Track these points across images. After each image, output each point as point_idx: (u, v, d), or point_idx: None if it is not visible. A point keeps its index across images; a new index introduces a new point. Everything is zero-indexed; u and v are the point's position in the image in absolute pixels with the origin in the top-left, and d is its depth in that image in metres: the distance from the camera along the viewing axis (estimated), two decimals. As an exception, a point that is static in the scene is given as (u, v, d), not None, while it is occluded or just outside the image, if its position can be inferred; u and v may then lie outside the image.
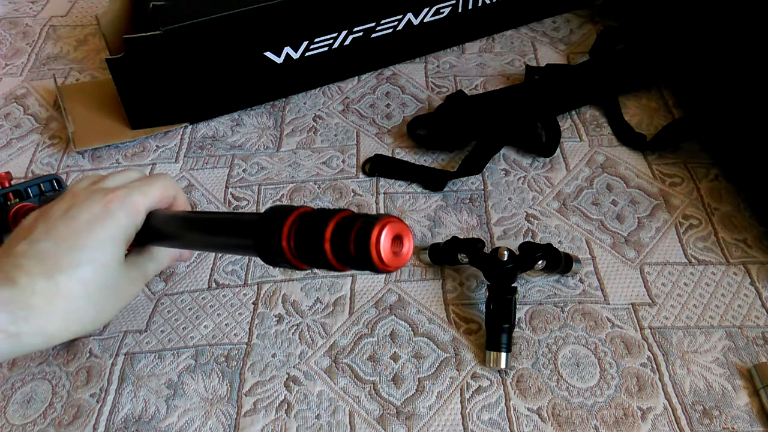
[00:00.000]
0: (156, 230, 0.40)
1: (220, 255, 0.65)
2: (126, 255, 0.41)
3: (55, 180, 0.62)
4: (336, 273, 0.63)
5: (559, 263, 0.59)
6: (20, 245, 0.37)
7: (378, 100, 0.81)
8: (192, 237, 0.39)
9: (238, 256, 0.65)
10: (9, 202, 0.58)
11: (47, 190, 0.61)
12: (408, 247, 0.28)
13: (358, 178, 0.72)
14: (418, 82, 0.84)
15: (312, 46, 0.77)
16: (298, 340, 0.58)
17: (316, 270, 0.33)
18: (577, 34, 0.91)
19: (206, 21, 0.68)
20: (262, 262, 0.63)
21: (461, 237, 0.61)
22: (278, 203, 0.33)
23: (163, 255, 0.44)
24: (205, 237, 0.38)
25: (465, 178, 0.71)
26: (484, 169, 0.72)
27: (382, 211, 0.68)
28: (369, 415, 0.53)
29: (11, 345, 0.35)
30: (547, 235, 0.66)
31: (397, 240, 0.27)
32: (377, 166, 0.72)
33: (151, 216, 0.40)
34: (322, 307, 0.61)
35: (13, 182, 0.60)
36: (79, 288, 0.36)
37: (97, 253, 0.37)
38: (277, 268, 0.64)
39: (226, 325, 0.60)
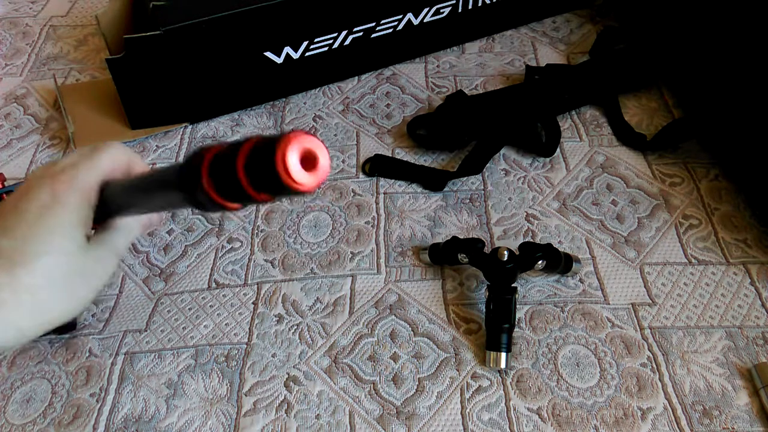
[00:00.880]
0: (111, 202, 0.38)
1: (219, 255, 0.65)
2: (92, 234, 0.39)
3: None
4: (339, 275, 0.63)
5: (559, 263, 0.59)
6: None
7: (378, 100, 0.81)
8: (138, 201, 0.38)
9: (239, 255, 0.65)
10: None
11: None
12: (323, 162, 0.26)
13: (358, 178, 0.72)
14: (418, 82, 0.84)
15: (312, 46, 0.77)
16: (298, 340, 0.58)
17: (247, 205, 0.32)
18: (577, 34, 0.91)
19: (206, 21, 0.68)
20: (262, 262, 0.63)
21: (461, 237, 0.61)
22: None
23: (131, 225, 0.42)
24: (146, 198, 0.37)
25: (465, 178, 0.71)
26: (484, 169, 0.72)
27: (382, 212, 0.68)
28: (369, 415, 0.53)
29: None
30: (547, 235, 0.66)
31: (309, 157, 0.25)
32: (377, 166, 0.72)
33: (105, 188, 0.39)
34: (322, 307, 0.61)
35: (6, 183, 0.60)
36: (41, 280, 0.35)
37: (53, 241, 0.36)
38: (277, 268, 0.64)
39: (226, 324, 0.60)
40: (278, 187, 0.26)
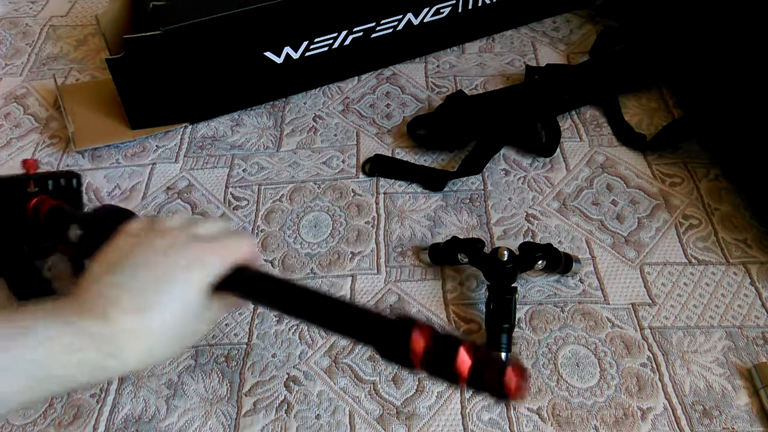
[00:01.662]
0: (241, 284, 0.42)
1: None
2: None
3: (75, 179, 0.63)
4: (339, 275, 0.63)
5: (559, 263, 0.59)
6: (114, 276, 0.38)
7: (378, 100, 0.81)
8: (288, 305, 0.42)
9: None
10: (29, 189, 0.58)
11: (65, 186, 0.61)
12: (524, 380, 0.32)
13: (358, 178, 0.72)
14: (418, 82, 0.84)
15: (312, 46, 0.77)
16: (298, 340, 0.58)
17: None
18: (577, 34, 0.91)
19: (206, 21, 0.68)
20: (262, 262, 0.63)
21: (461, 237, 0.61)
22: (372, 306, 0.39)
23: (230, 301, 0.45)
24: (307, 311, 0.41)
25: (465, 178, 0.71)
26: (484, 169, 0.72)
27: (382, 212, 0.69)
28: (369, 415, 0.53)
29: (94, 378, 0.36)
30: (547, 235, 0.66)
31: (521, 373, 0.32)
32: (377, 166, 0.72)
33: (237, 269, 0.43)
34: (322, 307, 0.61)
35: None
36: (163, 327, 0.38)
37: (186, 296, 0.39)
38: (277, 268, 0.64)
39: (226, 325, 0.60)
40: (497, 394, 0.32)
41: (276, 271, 0.63)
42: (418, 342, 0.34)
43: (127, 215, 0.52)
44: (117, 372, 0.37)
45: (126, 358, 0.37)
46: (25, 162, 0.59)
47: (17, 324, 0.35)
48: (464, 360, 0.32)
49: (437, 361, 0.33)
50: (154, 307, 0.37)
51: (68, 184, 0.62)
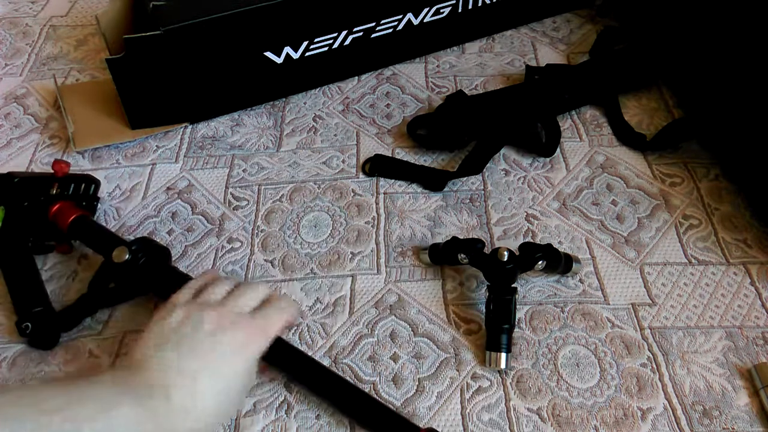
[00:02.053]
0: (275, 357, 0.49)
1: (219, 255, 0.65)
2: None
3: (94, 184, 0.65)
4: (339, 276, 0.63)
5: (559, 263, 0.59)
6: (171, 355, 0.42)
7: (378, 100, 0.81)
8: (326, 391, 0.51)
9: (239, 256, 0.65)
10: (52, 191, 0.60)
11: (84, 192, 0.63)
12: None
13: (358, 178, 0.72)
14: (418, 82, 0.84)
15: (312, 46, 0.77)
16: (298, 341, 0.58)
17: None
18: (577, 34, 0.91)
19: (206, 21, 0.68)
20: (262, 262, 0.63)
21: (461, 237, 0.61)
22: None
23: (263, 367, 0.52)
24: (336, 398, 0.51)
25: (465, 178, 0.71)
26: (484, 169, 0.72)
27: (382, 212, 0.69)
28: (369, 415, 0.53)
29: None
30: (547, 235, 0.66)
31: None
32: (377, 166, 0.72)
33: (275, 341, 0.48)
34: (322, 307, 0.61)
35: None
36: (213, 406, 0.42)
37: (234, 377, 0.44)
38: (277, 268, 0.64)
39: (226, 325, 0.59)
40: None
41: (276, 271, 0.63)
42: None
43: (166, 252, 0.59)
44: None
45: (176, 425, 0.40)
46: (55, 163, 0.61)
47: (87, 393, 0.39)
48: None
49: None
50: (204, 392, 0.42)
51: (87, 189, 0.64)
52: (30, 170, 0.73)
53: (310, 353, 0.57)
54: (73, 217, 0.60)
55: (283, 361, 0.50)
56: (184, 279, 0.56)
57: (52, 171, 0.61)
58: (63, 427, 0.35)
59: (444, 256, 0.61)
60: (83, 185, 0.63)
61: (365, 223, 0.68)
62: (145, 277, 0.56)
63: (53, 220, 0.61)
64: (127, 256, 0.55)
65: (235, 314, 0.46)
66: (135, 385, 0.40)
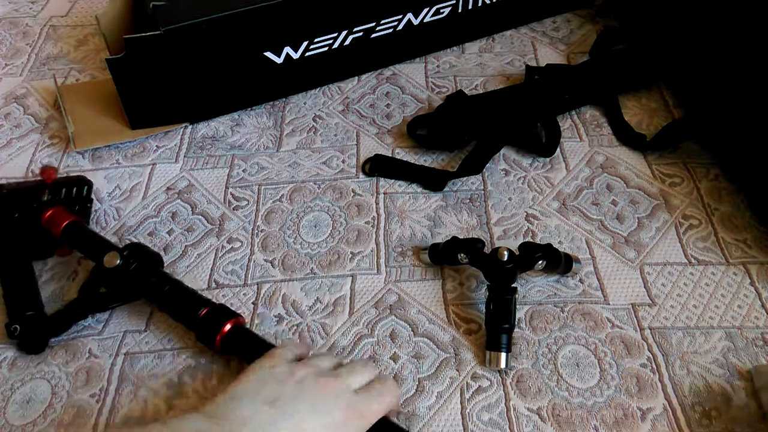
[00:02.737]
0: None
1: (219, 255, 0.65)
2: None
3: (87, 186, 0.64)
4: (339, 276, 0.63)
5: (559, 263, 0.59)
6: (263, 414, 0.40)
7: (378, 100, 0.81)
8: None
9: (239, 256, 0.65)
10: (43, 198, 0.60)
11: (77, 194, 0.63)
12: None
13: (358, 178, 0.72)
14: (418, 82, 0.84)
15: (312, 46, 0.77)
16: (298, 341, 0.58)
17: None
18: (577, 34, 0.91)
19: (206, 21, 0.68)
20: (262, 262, 0.63)
21: (461, 237, 0.61)
22: None
23: None
24: None
25: (465, 178, 0.71)
26: (484, 169, 0.72)
27: (382, 212, 0.69)
28: (369, 415, 0.53)
29: None
30: (547, 235, 0.66)
31: None
32: (377, 166, 0.72)
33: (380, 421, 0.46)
34: (322, 307, 0.61)
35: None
36: None
37: None
38: (277, 268, 0.64)
39: (226, 325, 0.59)
40: None
41: (276, 271, 0.63)
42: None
43: (158, 257, 0.59)
44: None
45: None
46: (43, 170, 0.60)
47: (182, 426, 0.38)
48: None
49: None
50: None
51: (80, 192, 0.63)
52: (30, 171, 0.73)
53: (309, 353, 0.57)
54: (65, 224, 0.60)
55: None
56: (177, 284, 0.57)
57: (40, 177, 0.60)
58: None
59: (444, 256, 0.61)
60: (75, 189, 0.63)
61: (365, 223, 0.68)
62: (136, 283, 0.56)
63: (46, 226, 0.60)
64: (118, 262, 0.55)
65: (340, 391, 0.44)
66: (228, 419, 0.39)
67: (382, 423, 0.46)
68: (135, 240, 0.66)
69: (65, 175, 0.73)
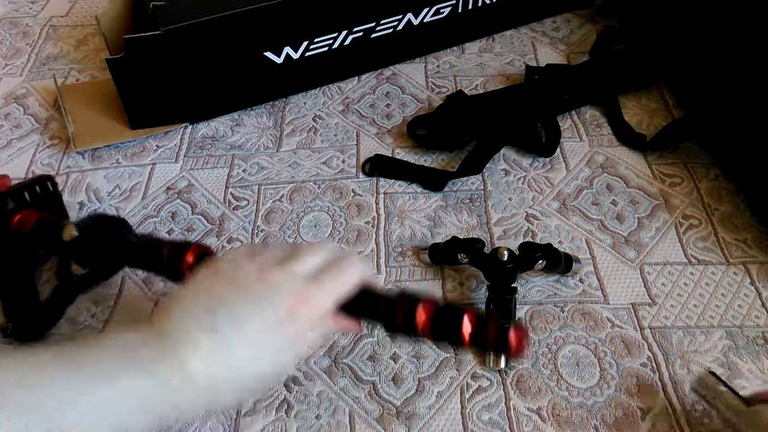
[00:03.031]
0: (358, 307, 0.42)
1: (220, 254, 0.65)
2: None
3: (49, 182, 0.62)
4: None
5: (559, 263, 0.59)
6: (193, 305, 0.36)
7: (378, 100, 0.81)
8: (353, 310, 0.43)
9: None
10: (8, 206, 0.58)
11: (43, 192, 0.61)
12: (526, 339, 0.38)
13: (358, 178, 0.72)
14: (418, 82, 0.84)
15: (312, 46, 0.77)
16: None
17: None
18: (577, 34, 0.91)
19: (206, 21, 0.68)
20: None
21: (461, 237, 0.61)
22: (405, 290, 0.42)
23: (326, 329, 0.42)
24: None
25: (465, 178, 0.71)
26: (484, 169, 0.72)
27: (382, 212, 0.68)
28: (369, 415, 0.53)
29: (154, 423, 0.34)
30: (547, 235, 0.66)
31: (521, 334, 0.38)
32: (377, 166, 0.72)
33: (361, 292, 0.42)
34: (322, 307, 0.61)
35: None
36: (239, 377, 0.36)
37: (270, 353, 0.37)
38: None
39: (226, 325, 0.59)
40: (504, 351, 0.44)
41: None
42: (421, 315, 0.39)
43: (120, 223, 0.53)
44: (178, 419, 0.36)
45: (188, 412, 0.35)
46: None
47: (96, 369, 0.33)
48: (467, 324, 0.38)
49: (441, 329, 0.39)
50: (235, 357, 0.35)
51: (44, 189, 0.61)
52: (31, 171, 0.73)
53: (309, 353, 0.57)
54: (32, 223, 0.58)
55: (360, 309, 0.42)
56: (142, 237, 0.52)
57: None
58: (45, 406, 0.31)
59: (444, 256, 0.61)
60: (37, 188, 0.61)
61: (365, 223, 0.68)
62: (101, 253, 0.52)
63: (19, 233, 0.59)
64: (74, 233, 0.52)
65: (283, 282, 0.38)
66: (145, 351, 0.34)
67: (361, 295, 0.41)
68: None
69: (65, 175, 0.73)
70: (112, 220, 0.54)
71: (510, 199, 0.69)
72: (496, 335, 0.38)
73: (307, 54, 0.77)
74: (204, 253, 0.49)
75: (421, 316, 0.39)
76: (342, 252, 0.42)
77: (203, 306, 0.36)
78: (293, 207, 0.69)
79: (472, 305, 0.60)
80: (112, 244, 0.52)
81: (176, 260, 0.48)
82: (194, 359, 0.34)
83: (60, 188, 0.66)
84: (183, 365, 0.33)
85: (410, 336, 0.40)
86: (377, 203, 0.69)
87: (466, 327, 0.38)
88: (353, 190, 0.71)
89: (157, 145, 0.76)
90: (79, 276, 0.56)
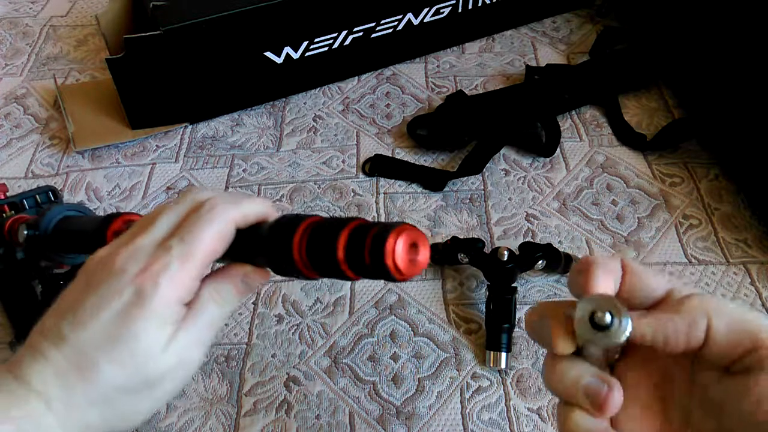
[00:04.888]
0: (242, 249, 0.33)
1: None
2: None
3: (50, 191, 0.61)
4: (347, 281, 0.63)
5: (559, 263, 0.59)
6: (49, 326, 0.30)
7: (378, 100, 0.81)
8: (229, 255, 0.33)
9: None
10: (4, 215, 0.57)
11: (43, 202, 0.60)
12: (424, 254, 0.26)
13: (358, 178, 0.72)
14: (418, 82, 0.84)
15: (312, 46, 0.77)
16: (298, 340, 0.58)
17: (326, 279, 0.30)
18: (577, 34, 0.91)
19: (206, 21, 0.68)
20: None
21: (461, 237, 0.61)
22: (288, 213, 0.29)
23: (225, 297, 0.32)
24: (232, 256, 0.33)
25: (465, 178, 0.71)
26: (484, 169, 0.72)
27: (382, 212, 0.68)
28: (369, 415, 0.53)
29: None
30: (547, 235, 0.66)
31: (413, 248, 0.26)
32: (377, 166, 0.72)
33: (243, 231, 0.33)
34: (322, 307, 0.61)
35: (8, 194, 0.59)
36: (105, 397, 0.29)
37: (130, 351, 0.29)
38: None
39: (226, 325, 0.60)
40: (381, 273, 0.26)
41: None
42: (299, 235, 0.28)
43: (79, 215, 0.48)
44: None
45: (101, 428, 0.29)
46: None
47: None
48: (343, 238, 0.27)
49: (315, 246, 0.28)
50: (87, 380, 0.28)
51: (46, 199, 0.60)
52: (30, 171, 0.73)
53: (309, 353, 0.57)
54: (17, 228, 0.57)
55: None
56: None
57: None
58: None
59: (444, 256, 0.61)
60: (38, 197, 0.60)
61: (365, 223, 0.68)
62: (54, 247, 0.48)
63: (11, 240, 0.58)
64: (25, 232, 0.48)
65: (126, 261, 0.30)
66: (12, 376, 0.28)
67: (240, 235, 0.31)
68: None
69: (64, 175, 0.73)
70: (70, 213, 0.49)
71: (510, 199, 0.69)
72: (371, 246, 0.26)
73: (307, 54, 0.77)
74: (131, 221, 0.41)
75: (296, 238, 0.28)
76: (209, 195, 0.32)
77: (53, 318, 0.30)
78: (293, 207, 0.69)
79: (472, 305, 0.60)
80: (61, 236, 0.47)
81: (101, 231, 0.41)
82: (48, 380, 0.28)
83: (60, 189, 0.66)
84: (41, 395, 0.28)
85: (291, 270, 0.29)
86: (377, 203, 0.69)
87: (341, 242, 0.27)
88: (353, 190, 0.71)
89: (157, 145, 0.76)
90: (62, 274, 0.55)
